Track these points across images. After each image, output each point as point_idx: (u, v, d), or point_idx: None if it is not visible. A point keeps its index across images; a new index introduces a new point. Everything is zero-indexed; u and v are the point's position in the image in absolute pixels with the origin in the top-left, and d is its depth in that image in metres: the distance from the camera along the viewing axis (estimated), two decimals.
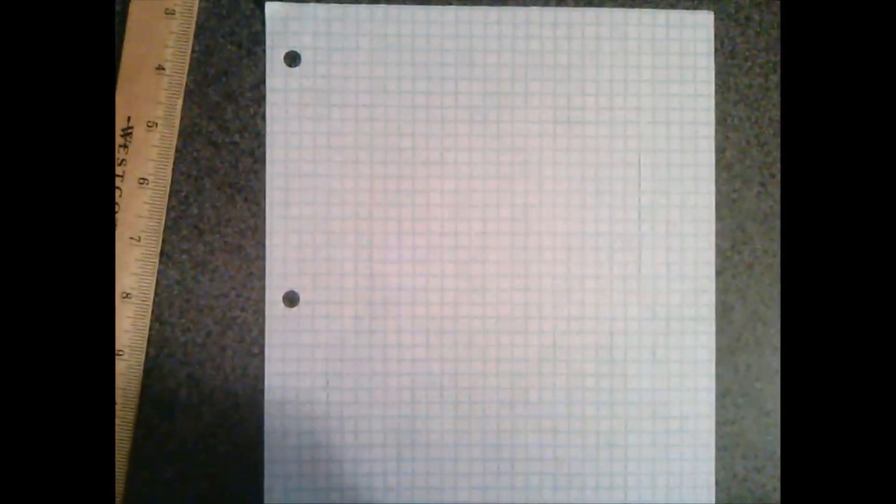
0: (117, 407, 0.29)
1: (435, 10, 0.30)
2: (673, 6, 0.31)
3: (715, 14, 0.31)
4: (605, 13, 0.31)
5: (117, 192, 0.29)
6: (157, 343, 0.30)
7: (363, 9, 0.30)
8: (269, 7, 0.30)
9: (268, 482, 0.29)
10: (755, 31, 0.31)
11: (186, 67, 0.30)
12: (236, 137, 0.30)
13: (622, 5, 0.31)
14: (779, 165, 0.31)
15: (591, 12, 0.31)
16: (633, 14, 0.31)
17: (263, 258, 0.30)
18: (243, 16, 0.30)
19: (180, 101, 0.30)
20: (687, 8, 0.31)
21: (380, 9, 0.30)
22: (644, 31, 0.31)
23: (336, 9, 0.30)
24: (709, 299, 0.30)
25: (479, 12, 0.30)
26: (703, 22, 0.31)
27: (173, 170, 0.30)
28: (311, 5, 0.30)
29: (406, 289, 0.30)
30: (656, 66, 0.31)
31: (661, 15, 0.31)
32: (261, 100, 0.30)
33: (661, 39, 0.31)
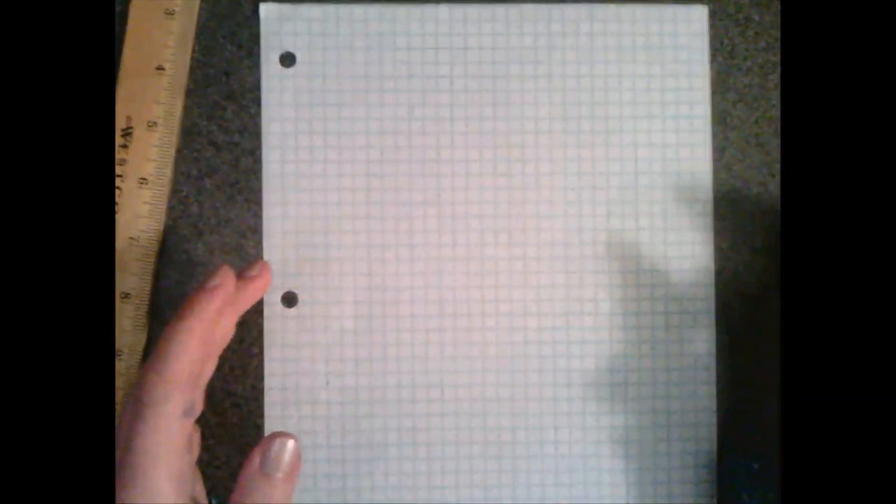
0: (117, 407, 0.29)
1: (429, 9, 0.30)
2: (667, 1, 0.31)
3: (714, 14, 0.31)
4: (599, 9, 0.31)
5: (117, 192, 0.29)
6: None
7: (357, 8, 0.30)
8: (263, 8, 0.30)
9: None
10: (754, 31, 0.31)
11: (187, 68, 0.30)
12: (236, 137, 0.30)
13: (616, 1, 0.31)
14: (778, 165, 0.31)
15: (584, 8, 0.31)
16: (627, 9, 0.31)
17: (263, 258, 0.30)
18: (243, 16, 0.30)
19: (180, 102, 0.30)
20: (681, 2, 0.31)
21: (374, 8, 0.30)
22: (638, 26, 0.31)
23: (330, 9, 0.30)
24: (707, 294, 0.31)
25: (472, 9, 0.30)
26: (697, 16, 0.31)
27: (173, 170, 0.30)
28: (306, 6, 0.30)
29: (405, 288, 0.30)
30: (651, 61, 0.31)
31: (655, 10, 0.31)
32: (261, 100, 0.30)
33: (655, 34, 0.31)
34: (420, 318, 0.30)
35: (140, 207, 0.30)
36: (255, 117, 0.30)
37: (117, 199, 0.29)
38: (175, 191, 0.30)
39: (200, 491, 0.26)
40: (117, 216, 0.29)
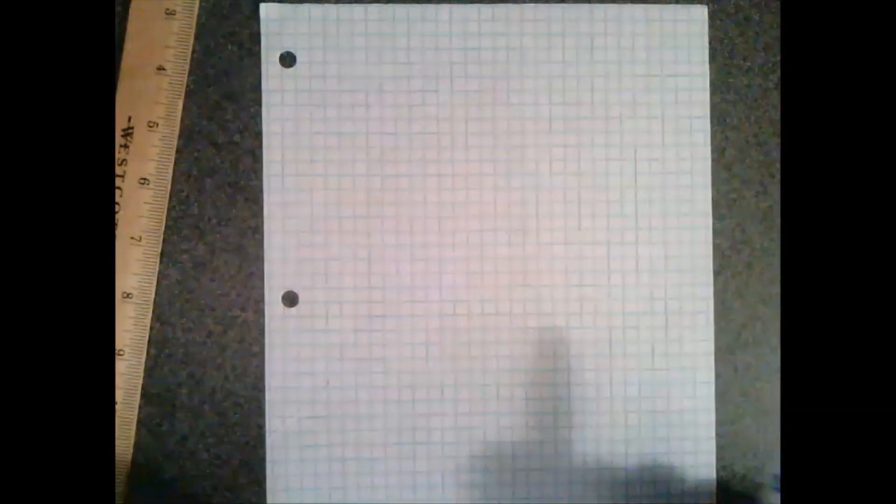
0: (118, 406, 0.29)
1: (429, 9, 0.30)
2: (667, 1, 0.31)
3: (714, 14, 0.31)
4: (599, 9, 0.31)
5: (118, 192, 0.29)
6: (158, 343, 0.30)
7: (358, 8, 0.30)
8: (263, 8, 0.30)
9: (270, 482, 0.29)
10: (754, 32, 0.31)
11: (187, 68, 0.30)
12: (237, 137, 0.30)
13: (616, 1, 0.31)
14: (778, 165, 0.31)
15: (584, 8, 0.31)
16: (627, 9, 0.31)
17: (264, 258, 0.30)
18: (243, 16, 0.30)
19: (181, 102, 0.30)
20: (681, 2, 0.31)
21: (374, 8, 0.30)
22: (638, 26, 0.31)
23: (331, 9, 0.30)
24: (706, 293, 0.31)
25: (473, 10, 0.30)
26: (696, 16, 0.31)
27: (174, 170, 0.30)
28: (306, 6, 0.30)
29: (405, 288, 0.30)
30: (651, 62, 0.31)
31: (655, 10, 0.31)
32: (261, 100, 0.30)
33: (655, 34, 0.31)
34: (420, 318, 0.30)
35: (141, 207, 0.30)
36: (256, 117, 0.30)
37: (118, 199, 0.29)
38: (175, 191, 0.30)
39: None
40: (118, 216, 0.29)
